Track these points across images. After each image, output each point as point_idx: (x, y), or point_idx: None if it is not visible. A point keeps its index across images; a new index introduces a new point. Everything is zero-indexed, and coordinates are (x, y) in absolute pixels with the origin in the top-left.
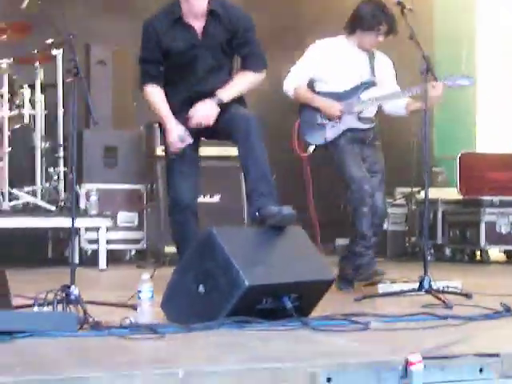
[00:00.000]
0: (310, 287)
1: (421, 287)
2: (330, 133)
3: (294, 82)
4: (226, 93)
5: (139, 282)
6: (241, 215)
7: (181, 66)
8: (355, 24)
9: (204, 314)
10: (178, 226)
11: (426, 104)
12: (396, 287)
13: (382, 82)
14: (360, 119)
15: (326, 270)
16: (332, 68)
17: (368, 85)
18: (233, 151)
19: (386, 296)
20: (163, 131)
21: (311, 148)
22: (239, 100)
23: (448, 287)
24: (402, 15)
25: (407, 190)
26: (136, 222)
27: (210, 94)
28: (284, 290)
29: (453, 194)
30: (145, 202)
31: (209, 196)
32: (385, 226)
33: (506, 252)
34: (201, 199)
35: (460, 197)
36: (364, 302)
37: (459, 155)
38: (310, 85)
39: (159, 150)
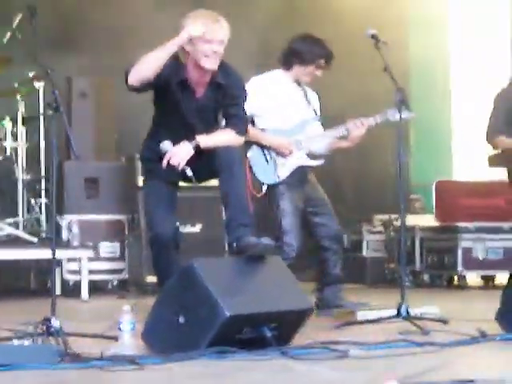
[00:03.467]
0: (289, 316)
1: (398, 314)
2: (282, 171)
3: None
4: (205, 139)
5: (120, 313)
6: (222, 244)
7: (171, 111)
8: (292, 59)
9: (185, 345)
10: (159, 257)
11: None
12: (374, 314)
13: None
14: (308, 155)
15: (304, 299)
16: (271, 103)
17: (313, 120)
18: (214, 181)
19: (364, 323)
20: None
21: (264, 188)
22: None
23: (425, 313)
24: (376, 48)
25: (385, 217)
26: (118, 253)
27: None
28: (263, 319)
29: (430, 220)
30: (126, 233)
31: (190, 225)
32: (364, 252)
33: (482, 277)
34: (182, 229)
35: (437, 223)
36: (343, 330)
37: (436, 182)
38: (250, 120)
39: (141, 181)
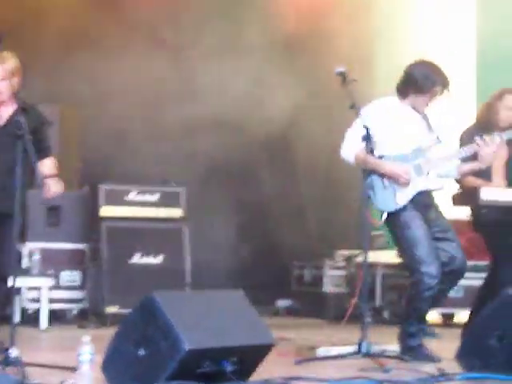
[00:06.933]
0: (250, 351)
1: (359, 351)
2: (400, 198)
3: (352, 148)
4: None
5: (79, 344)
6: (183, 276)
7: None
8: (408, 87)
9: (144, 378)
10: None
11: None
12: (335, 350)
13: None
14: (429, 180)
15: (266, 334)
16: (389, 129)
17: (433, 143)
18: (176, 213)
19: (325, 359)
20: None
21: (384, 216)
22: None
23: (386, 351)
24: (343, 85)
25: (348, 252)
26: (78, 282)
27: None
28: (224, 353)
29: (392, 257)
30: (87, 262)
31: (152, 257)
32: (325, 288)
33: (443, 315)
34: (144, 259)
35: (399, 260)
36: (304, 365)
37: None
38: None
39: (103, 211)
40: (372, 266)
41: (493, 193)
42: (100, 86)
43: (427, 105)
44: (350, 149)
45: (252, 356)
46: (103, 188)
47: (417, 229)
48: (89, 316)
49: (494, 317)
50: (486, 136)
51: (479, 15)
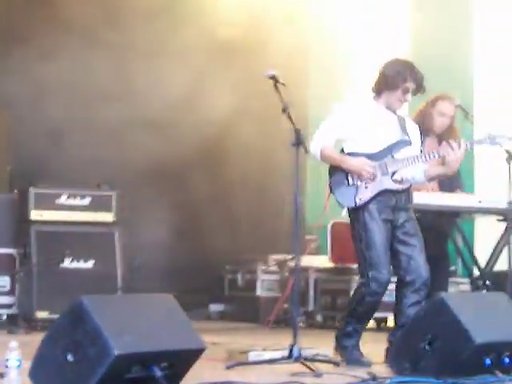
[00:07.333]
0: (180, 355)
1: (290, 355)
2: (363, 195)
3: (319, 144)
4: None
5: (7, 349)
6: (115, 281)
7: None
8: (381, 85)
9: None
10: None
11: (296, 171)
12: (267, 355)
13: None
14: (394, 180)
15: (196, 339)
16: (361, 127)
17: (403, 144)
18: (108, 217)
19: (257, 364)
20: None
21: (344, 211)
22: None
23: (317, 355)
24: (275, 89)
25: (280, 257)
26: (8, 287)
27: None
28: (154, 358)
29: (325, 261)
30: (17, 267)
31: (83, 261)
32: (258, 292)
33: (376, 319)
34: (74, 264)
35: (331, 265)
36: (235, 370)
37: (331, 224)
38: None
39: (33, 214)
40: (305, 270)
41: (424, 197)
42: (33, 85)
43: (401, 102)
44: (318, 144)
45: (182, 361)
46: (33, 191)
47: (375, 233)
48: (19, 321)
49: (425, 320)
50: (452, 141)
51: (413, 15)
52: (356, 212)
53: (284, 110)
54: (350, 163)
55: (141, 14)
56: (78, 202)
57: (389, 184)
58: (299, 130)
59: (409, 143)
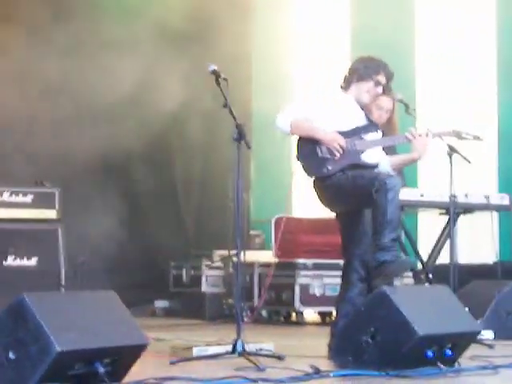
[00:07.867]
0: (123, 352)
1: (234, 350)
2: (331, 166)
3: (290, 116)
4: None
5: None
6: (58, 278)
7: None
8: (350, 77)
9: (14, 382)
10: None
11: (239, 166)
12: (211, 350)
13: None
14: (364, 156)
15: (139, 335)
16: (330, 110)
17: (371, 128)
18: (51, 214)
19: (201, 359)
20: None
21: (311, 181)
22: None
23: (261, 349)
24: (217, 84)
25: (225, 252)
26: None
27: None
28: (96, 354)
29: (269, 256)
30: None
31: (25, 259)
32: (203, 288)
33: (320, 313)
34: (17, 262)
35: (276, 259)
36: (179, 366)
37: (274, 219)
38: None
39: None
40: (249, 265)
41: None
42: None
43: (369, 95)
44: (287, 117)
45: (125, 357)
46: None
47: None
48: None
49: (367, 313)
50: (413, 129)
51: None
52: (325, 179)
53: (225, 105)
54: (324, 133)
55: (88, 6)
56: (20, 199)
57: (357, 159)
58: (241, 125)
59: (377, 128)
